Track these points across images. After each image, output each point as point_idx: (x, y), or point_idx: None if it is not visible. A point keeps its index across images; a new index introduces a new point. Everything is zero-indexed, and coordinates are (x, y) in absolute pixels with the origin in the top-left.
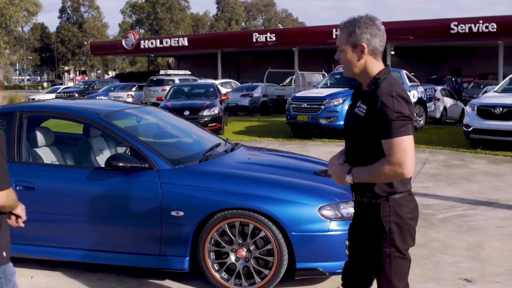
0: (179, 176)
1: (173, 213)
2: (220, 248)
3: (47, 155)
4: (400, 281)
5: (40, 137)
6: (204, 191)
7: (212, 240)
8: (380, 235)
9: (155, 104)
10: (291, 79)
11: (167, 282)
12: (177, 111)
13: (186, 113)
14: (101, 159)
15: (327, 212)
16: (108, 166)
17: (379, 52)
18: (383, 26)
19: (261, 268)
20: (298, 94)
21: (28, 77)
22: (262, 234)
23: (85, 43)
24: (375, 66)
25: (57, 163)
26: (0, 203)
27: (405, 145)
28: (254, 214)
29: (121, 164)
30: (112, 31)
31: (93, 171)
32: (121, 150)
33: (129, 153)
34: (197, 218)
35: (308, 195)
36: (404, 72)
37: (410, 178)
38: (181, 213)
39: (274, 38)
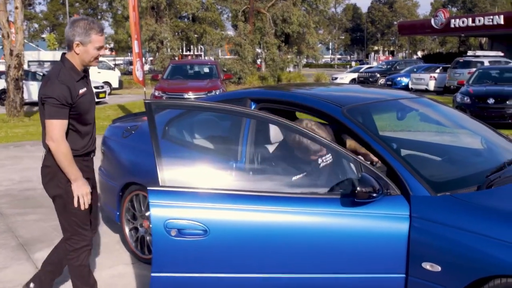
0: (441, 210)
1: (426, 265)
2: None
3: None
4: None
5: (273, 132)
6: (479, 240)
7: None
8: None
9: (456, 89)
10: None
11: None
12: (479, 98)
13: (490, 101)
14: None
15: None
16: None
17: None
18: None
19: None
20: None
21: (339, 56)
22: None
23: (395, 23)
24: None
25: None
26: None
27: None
28: None
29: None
30: (423, 10)
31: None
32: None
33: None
34: (462, 280)
35: None
36: None
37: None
38: (438, 268)
39: None
